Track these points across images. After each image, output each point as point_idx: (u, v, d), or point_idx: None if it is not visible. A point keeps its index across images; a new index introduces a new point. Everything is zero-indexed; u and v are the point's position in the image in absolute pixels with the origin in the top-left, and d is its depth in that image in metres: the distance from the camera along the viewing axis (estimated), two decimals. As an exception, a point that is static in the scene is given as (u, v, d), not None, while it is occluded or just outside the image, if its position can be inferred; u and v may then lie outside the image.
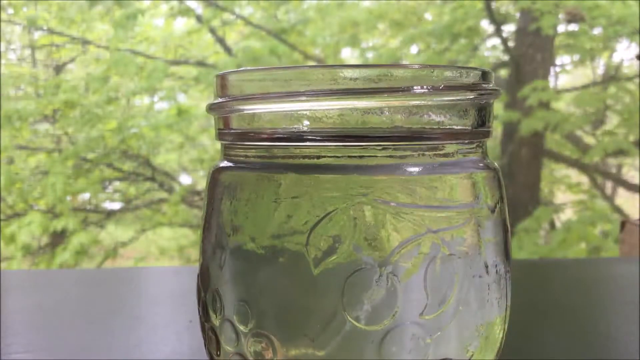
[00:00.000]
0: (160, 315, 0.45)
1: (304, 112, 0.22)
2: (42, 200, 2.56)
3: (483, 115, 0.23)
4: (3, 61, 2.61)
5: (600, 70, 2.70)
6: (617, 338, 0.40)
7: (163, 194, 2.71)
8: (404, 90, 0.21)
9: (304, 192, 0.21)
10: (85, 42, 2.69)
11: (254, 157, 0.23)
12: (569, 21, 2.46)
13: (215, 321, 0.24)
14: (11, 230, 2.45)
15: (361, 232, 0.21)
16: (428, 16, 2.73)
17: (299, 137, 0.22)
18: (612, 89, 2.60)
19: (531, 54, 2.54)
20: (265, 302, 0.22)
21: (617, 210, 2.62)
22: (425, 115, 0.22)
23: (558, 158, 2.67)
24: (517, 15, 2.60)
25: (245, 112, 0.23)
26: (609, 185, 2.74)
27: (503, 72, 2.57)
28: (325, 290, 0.21)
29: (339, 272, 0.21)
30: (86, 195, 2.65)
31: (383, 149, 0.22)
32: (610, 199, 2.67)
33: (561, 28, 2.56)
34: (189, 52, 2.71)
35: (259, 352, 0.22)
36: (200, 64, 2.68)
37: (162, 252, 2.63)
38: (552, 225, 2.58)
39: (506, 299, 0.24)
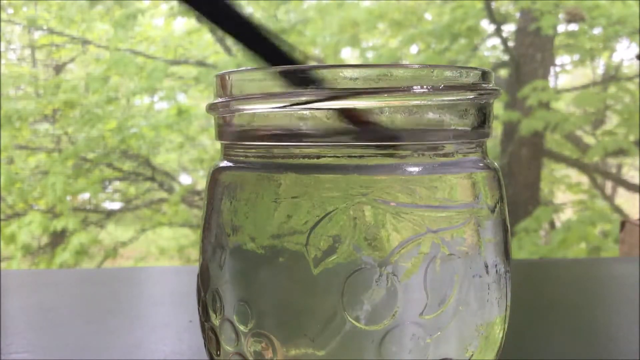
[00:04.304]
0: (160, 315, 0.45)
1: (304, 112, 0.22)
2: (42, 200, 2.57)
3: (483, 115, 0.23)
4: (3, 61, 2.61)
5: (600, 70, 2.70)
6: (617, 338, 0.40)
7: (163, 194, 2.72)
8: (404, 90, 0.21)
9: (304, 192, 0.21)
10: (85, 42, 2.70)
11: (254, 157, 0.23)
12: (569, 21, 2.46)
13: (215, 321, 0.24)
14: (11, 230, 2.45)
15: (361, 232, 0.21)
16: (428, 16, 2.73)
17: (299, 137, 0.22)
18: (612, 89, 2.60)
19: (531, 54, 2.54)
20: (265, 302, 0.22)
21: (617, 210, 2.62)
22: (425, 115, 0.22)
23: (558, 158, 2.67)
24: (517, 15, 2.60)
25: (245, 112, 0.23)
26: (609, 185, 2.74)
27: (503, 72, 2.57)
28: (325, 290, 0.21)
29: (339, 272, 0.21)
30: (86, 195, 2.66)
31: (383, 148, 0.22)
32: (610, 198, 2.68)
33: (561, 28, 2.56)
34: (189, 52, 2.71)
35: (259, 352, 0.22)
36: (200, 63, 2.68)
37: (162, 252, 2.63)
38: (552, 225, 2.58)
39: (506, 298, 0.24)
